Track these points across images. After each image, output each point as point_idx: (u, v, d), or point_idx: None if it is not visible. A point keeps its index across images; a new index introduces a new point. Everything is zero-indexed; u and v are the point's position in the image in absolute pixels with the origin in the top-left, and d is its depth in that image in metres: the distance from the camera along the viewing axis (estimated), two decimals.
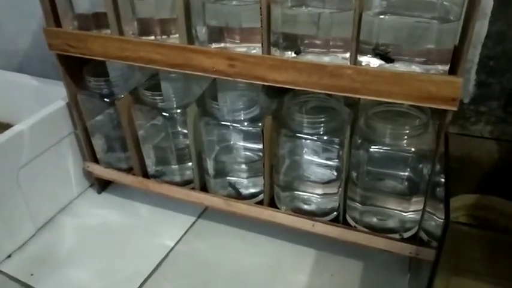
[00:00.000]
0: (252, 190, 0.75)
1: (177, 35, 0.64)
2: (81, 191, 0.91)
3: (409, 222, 0.65)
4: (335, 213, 0.69)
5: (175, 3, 0.61)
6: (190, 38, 0.64)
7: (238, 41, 0.62)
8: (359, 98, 0.66)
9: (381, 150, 0.62)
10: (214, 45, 0.63)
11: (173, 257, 0.76)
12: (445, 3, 0.53)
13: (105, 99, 0.77)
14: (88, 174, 0.90)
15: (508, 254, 0.48)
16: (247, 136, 0.72)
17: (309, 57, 0.58)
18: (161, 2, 0.64)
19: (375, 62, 0.55)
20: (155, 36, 0.67)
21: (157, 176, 0.81)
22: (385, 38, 0.53)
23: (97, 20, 0.70)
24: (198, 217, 0.84)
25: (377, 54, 0.54)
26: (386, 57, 0.53)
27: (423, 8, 0.53)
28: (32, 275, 0.74)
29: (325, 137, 0.64)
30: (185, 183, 0.79)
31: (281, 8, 0.56)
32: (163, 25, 0.66)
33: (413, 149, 0.61)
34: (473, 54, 0.65)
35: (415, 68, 0.54)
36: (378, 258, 0.72)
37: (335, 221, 0.69)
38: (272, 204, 0.73)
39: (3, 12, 1.02)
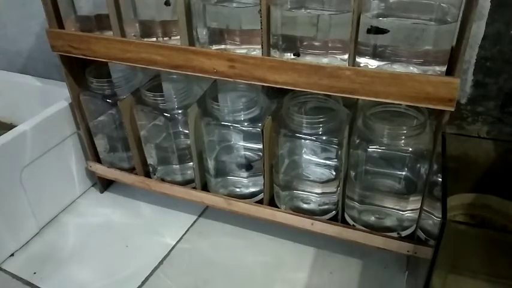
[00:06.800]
0: (252, 189, 0.75)
1: (178, 37, 0.65)
2: (84, 190, 0.92)
3: (406, 221, 0.66)
4: (334, 212, 0.70)
5: (176, 6, 0.62)
6: (191, 39, 0.64)
7: (238, 43, 0.63)
8: (357, 99, 0.67)
9: (379, 150, 0.62)
10: (214, 47, 0.63)
11: (174, 255, 0.77)
12: (442, 4, 0.53)
13: (108, 100, 0.78)
14: (91, 174, 0.91)
15: (505, 252, 0.48)
16: (248, 136, 0.72)
17: (308, 59, 0.58)
18: (162, 4, 0.64)
19: (373, 64, 0.56)
20: (157, 38, 0.67)
21: (153, 172, 0.81)
22: (383, 39, 0.54)
23: (99, 22, 0.71)
24: (199, 216, 0.85)
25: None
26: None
27: (421, 10, 0.54)
28: (34, 273, 0.75)
29: (324, 137, 0.64)
30: (186, 183, 0.80)
31: (280, 10, 0.57)
32: (164, 27, 0.67)
33: (410, 149, 0.62)
34: (470, 55, 0.66)
35: (413, 69, 0.55)
36: (376, 256, 0.73)
37: (334, 220, 0.70)
38: (272, 203, 0.74)
39: (6, 14, 1.02)
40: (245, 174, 0.74)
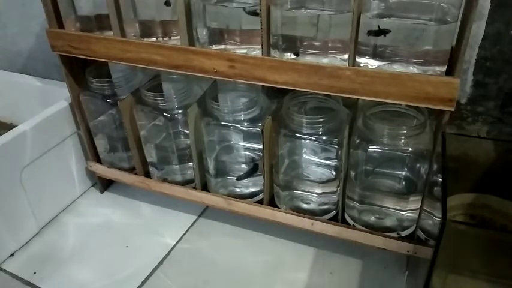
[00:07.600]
0: (252, 189, 0.75)
1: (178, 37, 0.65)
2: (84, 190, 0.92)
3: (406, 221, 0.66)
4: (334, 212, 0.70)
5: (176, 6, 0.61)
6: (191, 39, 0.64)
7: (238, 43, 0.63)
8: (357, 99, 0.67)
9: (379, 150, 0.62)
10: (214, 47, 0.63)
11: (174, 256, 0.77)
12: (442, 4, 0.53)
13: (108, 100, 0.78)
14: (91, 174, 0.91)
15: (505, 252, 0.48)
16: (248, 136, 0.72)
17: (308, 59, 0.58)
18: (162, 4, 0.64)
19: (373, 64, 0.56)
20: (157, 38, 0.67)
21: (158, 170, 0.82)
22: (383, 39, 0.54)
23: (99, 22, 0.71)
24: (199, 216, 0.85)
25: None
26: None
27: (421, 10, 0.54)
28: (34, 273, 0.75)
29: (324, 137, 0.64)
30: (186, 183, 0.80)
31: (280, 10, 0.57)
32: (164, 27, 0.67)
33: (410, 149, 0.62)
34: (470, 55, 0.66)
35: (413, 69, 0.55)
36: (376, 256, 0.73)
37: (334, 220, 0.70)
38: (272, 203, 0.74)
39: (6, 14, 1.02)
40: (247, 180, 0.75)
